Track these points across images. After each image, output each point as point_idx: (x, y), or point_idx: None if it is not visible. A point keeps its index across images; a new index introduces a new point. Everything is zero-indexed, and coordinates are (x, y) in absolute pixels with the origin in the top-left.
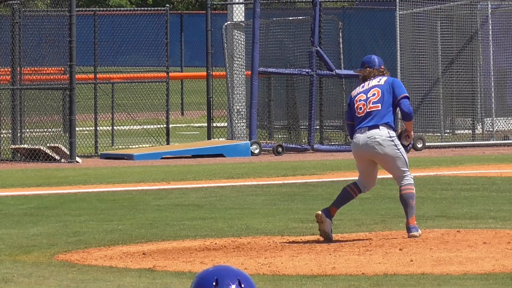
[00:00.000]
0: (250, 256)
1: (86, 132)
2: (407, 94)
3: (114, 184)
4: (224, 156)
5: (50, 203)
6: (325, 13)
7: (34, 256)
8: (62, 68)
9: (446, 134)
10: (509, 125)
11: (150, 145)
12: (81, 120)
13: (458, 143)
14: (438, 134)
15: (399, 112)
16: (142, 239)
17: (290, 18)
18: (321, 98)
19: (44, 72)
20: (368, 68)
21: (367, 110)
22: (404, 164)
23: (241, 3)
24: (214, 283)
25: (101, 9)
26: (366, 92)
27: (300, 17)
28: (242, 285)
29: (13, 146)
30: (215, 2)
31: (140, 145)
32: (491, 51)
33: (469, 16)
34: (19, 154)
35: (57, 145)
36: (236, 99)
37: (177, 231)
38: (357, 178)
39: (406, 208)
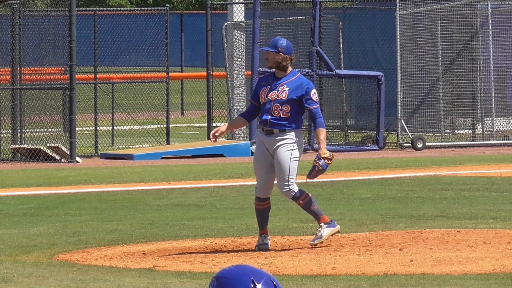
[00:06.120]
0: (250, 256)
1: (86, 132)
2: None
3: (114, 184)
4: (224, 156)
5: (50, 203)
6: (325, 13)
7: (34, 256)
8: (62, 68)
9: (446, 134)
10: (509, 125)
11: (150, 145)
12: (81, 120)
13: (458, 143)
14: (438, 134)
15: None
16: (142, 239)
17: (290, 18)
18: (321, 98)
19: (44, 72)
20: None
21: None
22: None
23: (241, 3)
24: (252, 286)
25: (101, 9)
26: None
27: (300, 17)
28: (274, 282)
29: (13, 146)
30: (215, 2)
31: (140, 145)
32: (491, 51)
33: (469, 16)
34: (19, 154)
35: (57, 145)
36: (236, 99)
37: (177, 231)
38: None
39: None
